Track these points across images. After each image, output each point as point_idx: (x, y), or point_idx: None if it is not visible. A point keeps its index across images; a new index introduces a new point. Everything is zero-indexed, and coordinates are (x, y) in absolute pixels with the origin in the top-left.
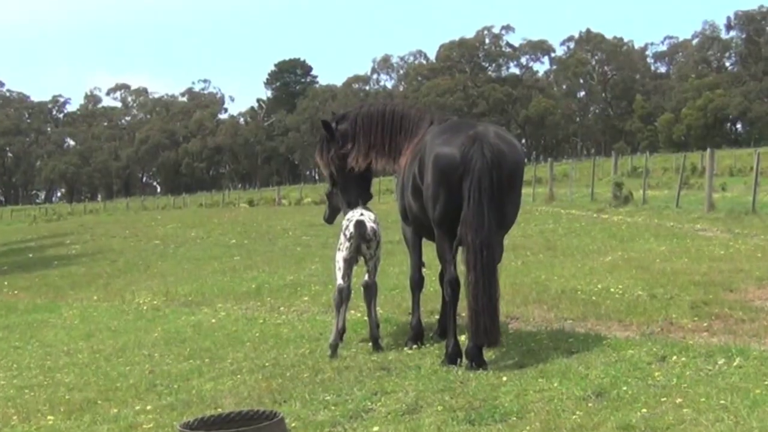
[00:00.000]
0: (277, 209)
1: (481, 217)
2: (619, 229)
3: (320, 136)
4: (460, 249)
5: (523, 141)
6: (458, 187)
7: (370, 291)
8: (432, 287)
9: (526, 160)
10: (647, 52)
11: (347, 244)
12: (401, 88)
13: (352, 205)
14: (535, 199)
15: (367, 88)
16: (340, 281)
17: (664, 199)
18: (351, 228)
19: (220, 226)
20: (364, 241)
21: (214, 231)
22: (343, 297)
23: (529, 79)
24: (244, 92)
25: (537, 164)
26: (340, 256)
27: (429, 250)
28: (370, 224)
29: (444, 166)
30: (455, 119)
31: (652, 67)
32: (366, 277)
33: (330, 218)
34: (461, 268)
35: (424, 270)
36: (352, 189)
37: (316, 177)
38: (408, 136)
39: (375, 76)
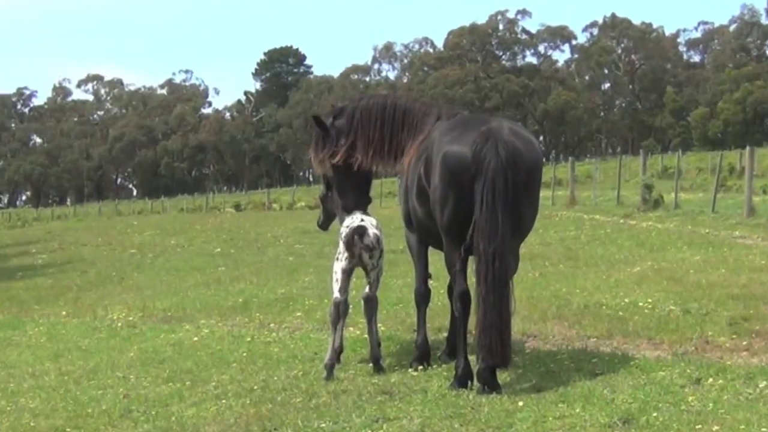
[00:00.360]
0: (267, 214)
1: (494, 222)
2: (649, 236)
3: (314, 133)
4: (470, 258)
5: (541, 138)
6: (469, 190)
7: (371, 305)
8: (439, 301)
9: (544, 159)
10: (679, 40)
11: (346, 253)
12: (405, 80)
13: (349, 210)
14: (555, 202)
15: (368, 79)
16: (337, 294)
17: (698, 203)
18: (351, 235)
19: (204, 234)
20: (365, 250)
21: (197, 239)
22: (341, 312)
23: (548, 69)
24: (230, 84)
25: (557, 164)
26: (339, 266)
27: (436, 259)
28: (372, 230)
29: (453, 166)
30: (466, 114)
31: (685, 56)
32: (366, 289)
33: (324, 224)
34: (472, 279)
35: (430, 282)
36: (350, 192)
37: (311, 178)
38: (412, 133)
39: (376, 66)
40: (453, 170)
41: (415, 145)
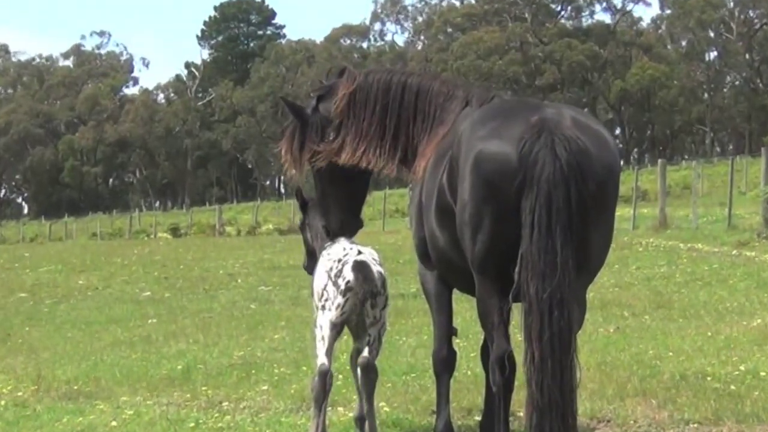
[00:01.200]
0: (219, 242)
1: (551, 255)
2: None
3: (287, 122)
4: (515, 307)
5: (618, 132)
6: (514, 208)
7: (371, 375)
8: (469, 369)
9: (622, 162)
10: None
11: (340, 299)
12: (419, 46)
13: (333, 235)
14: (638, 225)
15: (365, 45)
16: (323, 359)
17: None
18: (348, 273)
19: (126, 270)
20: (368, 296)
21: (116, 277)
22: (328, 385)
23: (628, 31)
24: (165, 53)
25: (640, 169)
26: (325, 319)
27: (465, 308)
28: (376, 267)
29: (491, 174)
30: (506, 98)
31: None
32: (365, 352)
33: (311, 266)
34: (517, 337)
35: (455, 341)
36: (334, 208)
37: (282, 190)
38: (429, 124)
39: (377, 27)
40: (490, 179)
41: (434, 143)
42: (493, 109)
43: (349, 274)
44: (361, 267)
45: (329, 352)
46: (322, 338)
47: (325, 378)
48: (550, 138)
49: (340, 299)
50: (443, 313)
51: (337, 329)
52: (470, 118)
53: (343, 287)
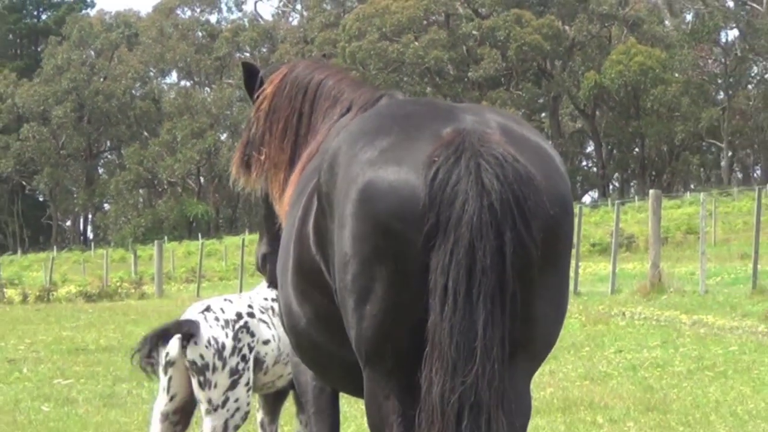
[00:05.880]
0: None
1: (468, 338)
2: None
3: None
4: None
5: (590, 148)
6: (420, 267)
7: None
8: None
9: (596, 193)
10: None
11: (163, 379)
12: (294, 20)
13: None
14: (619, 288)
15: (213, 19)
16: None
17: None
18: (170, 341)
19: None
20: (196, 372)
21: None
22: None
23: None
24: None
25: (623, 204)
26: (156, 404)
27: (359, 410)
28: (211, 330)
29: (386, 217)
30: (401, 98)
31: None
32: None
33: None
34: None
35: None
36: (265, 237)
37: (89, 234)
38: (305, 137)
39: None
40: (384, 225)
41: (298, 168)
42: (382, 117)
43: (169, 343)
44: (180, 329)
45: None
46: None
47: None
48: (474, 161)
49: (163, 378)
50: (325, 420)
51: (169, 420)
52: (347, 129)
53: (162, 361)
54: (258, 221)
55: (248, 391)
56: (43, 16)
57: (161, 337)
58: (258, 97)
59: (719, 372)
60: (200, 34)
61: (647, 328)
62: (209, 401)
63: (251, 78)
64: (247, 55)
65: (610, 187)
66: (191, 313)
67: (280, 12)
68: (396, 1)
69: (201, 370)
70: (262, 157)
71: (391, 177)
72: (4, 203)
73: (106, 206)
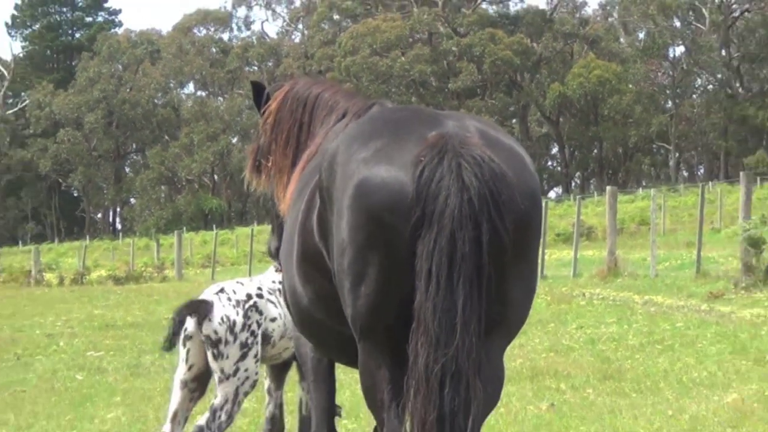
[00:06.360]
0: (35, 293)
1: (449, 315)
2: (756, 335)
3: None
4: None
5: (555, 150)
6: (408, 253)
7: None
8: None
9: (560, 189)
10: None
11: (182, 351)
12: (297, 38)
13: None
14: (580, 272)
15: (225, 36)
16: (166, 426)
17: None
18: (178, 316)
19: None
20: (210, 345)
21: None
22: None
23: (568, 20)
24: None
25: (584, 199)
26: (176, 375)
27: (353, 378)
28: (223, 309)
29: (379, 210)
30: (390, 106)
31: None
32: (202, 418)
33: None
34: None
35: (338, 420)
36: (275, 230)
37: (117, 225)
38: (306, 143)
39: (241, 14)
40: (377, 216)
41: (300, 166)
42: (375, 122)
43: (187, 319)
44: (197, 308)
45: (174, 418)
46: (170, 400)
47: None
48: (456, 161)
49: (182, 351)
50: (323, 387)
51: (188, 388)
52: (344, 133)
53: (181, 335)
54: (270, 218)
55: (256, 362)
56: (77, 35)
57: (185, 315)
58: (264, 111)
59: (667, 345)
60: (214, 50)
61: (604, 307)
62: (222, 371)
63: (259, 94)
64: (255, 68)
65: (573, 184)
66: (207, 294)
67: (284, 31)
68: (385, 21)
69: (215, 343)
70: (269, 164)
71: (383, 174)
72: (43, 198)
73: (132, 201)
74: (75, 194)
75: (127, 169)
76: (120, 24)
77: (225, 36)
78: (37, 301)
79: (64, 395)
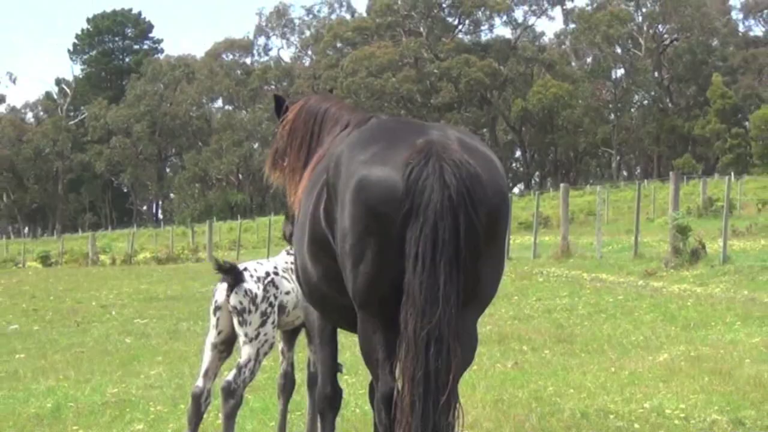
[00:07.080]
0: (92, 271)
1: (433, 290)
2: (683, 306)
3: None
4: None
5: (518, 154)
6: (399, 238)
7: (228, 400)
8: (357, 406)
9: (523, 186)
10: (731, 2)
11: (213, 318)
12: (307, 62)
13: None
14: (539, 254)
15: (249, 61)
16: (198, 381)
17: (759, 256)
18: (217, 291)
19: None
20: (236, 314)
21: None
22: (203, 407)
23: (529, 47)
24: (34, 68)
25: (541, 194)
26: (207, 338)
27: (352, 341)
28: (247, 284)
29: (375, 202)
30: (385, 118)
31: (741, 27)
32: (230, 374)
33: None
34: None
35: (340, 376)
36: (290, 218)
37: (159, 215)
38: (315, 149)
39: (261, 42)
40: (374, 208)
41: (310, 167)
42: (373, 131)
43: (217, 293)
44: (233, 270)
45: (206, 374)
46: (203, 359)
47: (198, 400)
48: (439, 164)
49: (213, 318)
50: (327, 348)
51: (218, 349)
52: (347, 140)
53: (212, 306)
54: (286, 208)
55: (274, 328)
56: (127, 59)
57: (228, 268)
58: (283, 120)
59: (610, 314)
60: (239, 72)
61: (559, 283)
62: (246, 335)
63: (279, 105)
64: (273, 87)
65: (533, 181)
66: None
67: (296, 56)
68: (379, 48)
69: (240, 312)
70: (285, 164)
71: (379, 173)
72: (98, 193)
73: (172, 196)
74: (125, 190)
75: (168, 170)
76: (162, 50)
77: (248, 60)
78: (93, 278)
79: (115, 355)
